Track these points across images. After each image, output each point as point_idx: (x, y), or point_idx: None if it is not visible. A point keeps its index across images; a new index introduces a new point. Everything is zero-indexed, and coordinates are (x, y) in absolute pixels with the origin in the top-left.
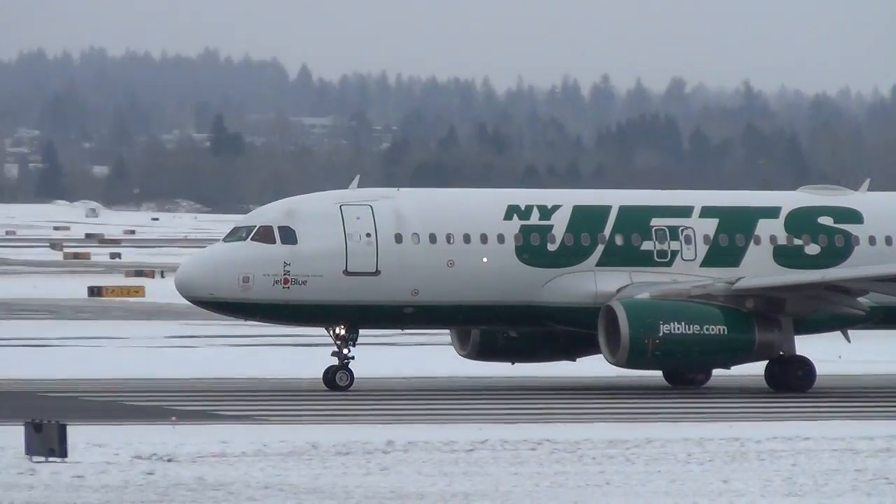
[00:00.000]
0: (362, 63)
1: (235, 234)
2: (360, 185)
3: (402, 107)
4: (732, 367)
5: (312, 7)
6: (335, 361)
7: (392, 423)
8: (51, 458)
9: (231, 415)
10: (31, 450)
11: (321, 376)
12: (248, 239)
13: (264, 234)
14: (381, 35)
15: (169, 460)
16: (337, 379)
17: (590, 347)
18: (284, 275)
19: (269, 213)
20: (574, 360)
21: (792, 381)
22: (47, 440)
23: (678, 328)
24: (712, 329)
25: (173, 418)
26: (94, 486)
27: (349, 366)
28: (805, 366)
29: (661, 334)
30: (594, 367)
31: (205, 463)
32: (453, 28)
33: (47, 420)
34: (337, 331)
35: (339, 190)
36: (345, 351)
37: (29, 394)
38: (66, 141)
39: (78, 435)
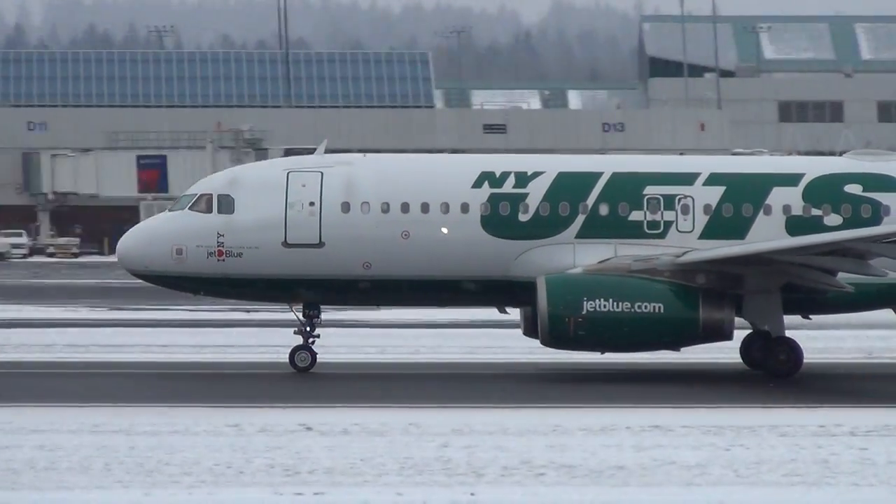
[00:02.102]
0: None
1: (179, 203)
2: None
3: None
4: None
5: None
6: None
7: None
8: None
9: None
10: None
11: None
12: (187, 208)
13: (203, 204)
14: None
15: None
16: (297, 360)
17: None
18: (218, 246)
19: (214, 181)
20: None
21: (773, 364)
22: None
23: (605, 306)
24: (646, 307)
25: None
26: None
27: (313, 345)
28: (790, 348)
29: (584, 312)
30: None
31: None
32: None
33: None
34: (297, 308)
35: (300, 156)
36: (308, 329)
37: None
38: None
39: None
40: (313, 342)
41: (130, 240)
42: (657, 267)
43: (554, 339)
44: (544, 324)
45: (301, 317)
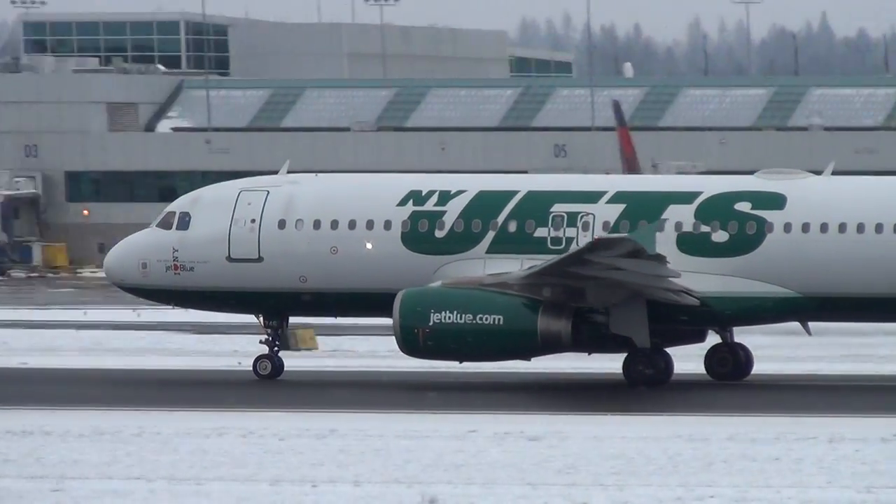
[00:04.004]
0: None
1: (154, 220)
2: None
3: None
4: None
5: None
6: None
7: None
8: None
9: None
10: None
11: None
12: (154, 225)
13: (166, 221)
14: None
15: None
16: (259, 367)
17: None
18: (174, 261)
19: (181, 200)
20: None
21: (633, 374)
22: None
23: (449, 318)
24: (487, 319)
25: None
26: None
27: (278, 355)
28: (653, 360)
29: (430, 324)
30: None
31: None
32: None
33: None
34: (263, 319)
35: (262, 176)
36: (272, 339)
37: None
38: None
39: None
40: (278, 351)
41: (112, 254)
42: (507, 281)
43: (407, 348)
44: (397, 334)
45: (265, 327)
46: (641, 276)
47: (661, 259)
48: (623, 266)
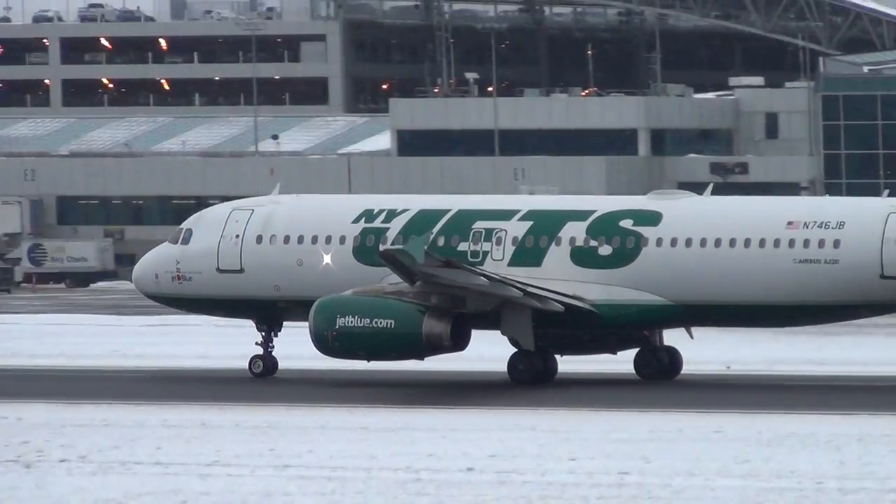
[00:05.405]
0: None
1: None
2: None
3: None
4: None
5: None
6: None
7: None
8: None
9: None
10: None
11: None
12: (169, 240)
13: (176, 236)
14: None
15: None
16: (253, 367)
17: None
18: (177, 272)
19: (191, 217)
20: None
21: (514, 374)
22: None
23: (352, 322)
24: (381, 323)
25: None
26: None
27: (271, 355)
28: (532, 360)
29: (337, 327)
30: None
31: None
32: None
33: None
34: (255, 322)
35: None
36: (265, 340)
37: None
38: None
39: None
40: (271, 351)
41: (137, 266)
42: (402, 290)
43: (321, 349)
44: (312, 337)
45: (258, 330)
46: (457, 282)
47: (435, 266)
48: (441, 276)
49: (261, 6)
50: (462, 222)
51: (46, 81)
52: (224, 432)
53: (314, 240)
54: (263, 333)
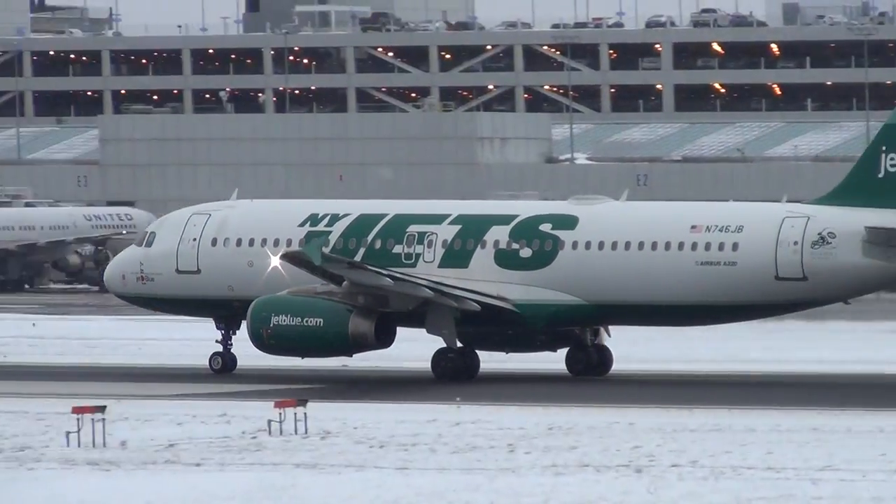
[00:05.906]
0: None
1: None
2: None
3: None
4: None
5: None
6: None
7: None
8: None
9: None
10: None
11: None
12: (135, 243)
13: (142, 238)
14: None
15: None
16: (211, 363)
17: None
18: (141, 273)
19: (155, 221)
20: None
21: (439, 370)
22: None
23: (285, 320)
24: (311, 321)
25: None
26: None
27: (230, 352)
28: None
29: (271, 325)
30: None
31: None
32: None
33: None
34: (217, 322)
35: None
36: (224, 338)
37: None
38: None
39: None
40: (230, 348)
41: (108, 267)
42: (332, 290)
43: (258, 346)
44: (249, 334)
45: (217, 328)
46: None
47: (335, 267)
48: (351, 277)
49: (873, 10)
50: (397, 226)
51: (658, 86)
52: (837, 437)
53: (263, 242)
54: (222, 332)
